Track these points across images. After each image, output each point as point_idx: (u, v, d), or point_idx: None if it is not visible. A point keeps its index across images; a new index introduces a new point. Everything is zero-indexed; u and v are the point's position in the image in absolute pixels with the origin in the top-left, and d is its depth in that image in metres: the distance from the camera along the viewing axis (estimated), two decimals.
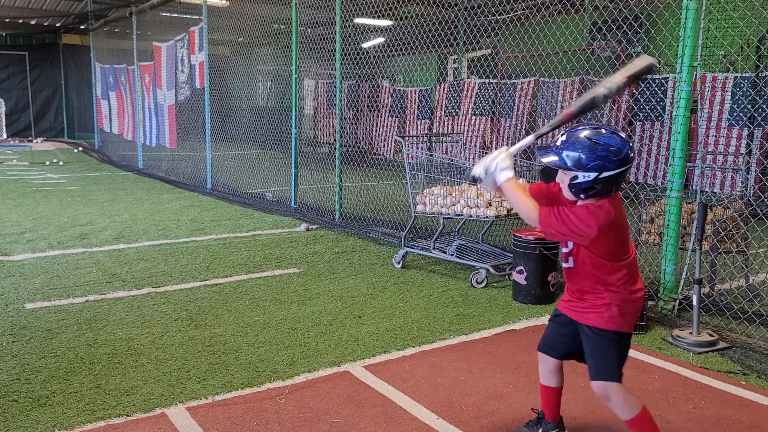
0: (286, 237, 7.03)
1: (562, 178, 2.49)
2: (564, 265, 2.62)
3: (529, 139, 2.54)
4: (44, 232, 6.94)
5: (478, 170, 2.53)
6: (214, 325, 4.23)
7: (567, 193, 2.48)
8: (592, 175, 2.36)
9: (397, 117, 14.04)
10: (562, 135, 2.46)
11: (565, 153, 2.40)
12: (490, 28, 10.46)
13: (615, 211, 2.42)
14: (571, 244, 2.54)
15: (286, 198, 9.00)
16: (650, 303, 4.53)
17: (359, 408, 3.14)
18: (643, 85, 9.62)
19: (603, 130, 2.41)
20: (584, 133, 2.39)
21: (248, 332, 4.10)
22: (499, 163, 2.49)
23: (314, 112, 16.34)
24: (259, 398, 3.22)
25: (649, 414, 2.53)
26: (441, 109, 13.05)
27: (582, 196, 2.42)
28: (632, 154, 2.40)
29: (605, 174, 2.35)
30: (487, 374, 3.56)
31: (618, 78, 2.47)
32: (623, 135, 2.42)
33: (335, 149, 8.06)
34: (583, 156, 2.36)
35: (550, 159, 2.44)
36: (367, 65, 9.25)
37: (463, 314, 4.56)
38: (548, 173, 2.64)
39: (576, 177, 2.39)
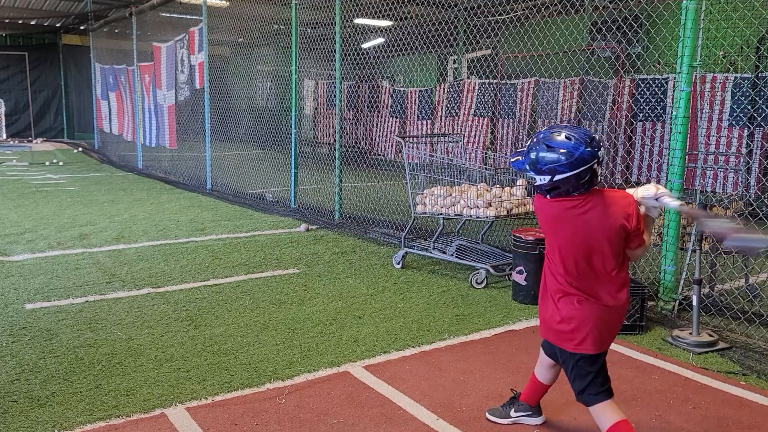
0: (285, 237, 7.03)
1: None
2: None
3: (676, 204, 2.58)
4: (44, 232, 6.94)
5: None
6: (213, 325, 4.23)
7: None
8: (546, 178, 2.46)
9: (397, 117, 14.05)
10: (532, 138, 2.56)
11: (527, 156, 2.52)
12: (489, 29, 10.46)
13: (549, 209, 2.53)
14: None
15: (286, 198, 9.00)
16: (650, 303, 4.52)
17: (359, 408, 3.14)
18: (643, 85, 9.62)
19: (559, 134, 2.44)
20: (541, 137, 2.49)
21: (248, 332, 4.10)
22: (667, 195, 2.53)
23: (314, 113, 16.35)
24: (259, 398, 3.22)
25: (629, 425, 2.51)
26: (441, 109, 13.05)
27: (548, 196, 2.52)
28: (588, 156, 2.39)
29: (558, 177, 2.43)
30: (486, 374, 3.56)
31: (729, 228, 2.36)
32: (582, 136, 2.42)
33: (335, 149, 8.06)
34: (538, 160, 2.46)
35: (515, 160, 2.57)
36: (367, 66, 9.25)
37: (462, 315, 4.56)
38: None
39: (536, 180, 2.51)
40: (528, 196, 5.58)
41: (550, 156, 2.42)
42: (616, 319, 2.56)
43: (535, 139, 2.50)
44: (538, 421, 2.96)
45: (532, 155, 2.48)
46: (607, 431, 2.49)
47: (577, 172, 2.40)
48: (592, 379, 2.52)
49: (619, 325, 2.59)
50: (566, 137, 2.42)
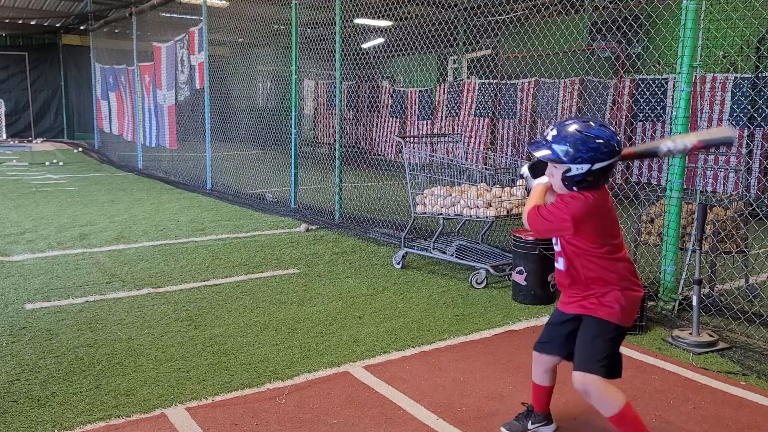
0: (285, 237, 7.03)
1: (552, 172, 2.49)
2: (556, 265, 2.64)
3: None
4: (44, 232, 6.94)
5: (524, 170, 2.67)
6: (213, 325, 4.23)
7: (559, 187, 2.50)
8: (585, 167, 2.36)
9: (397, 118, 14.05)
10: (552, 129, 2.46)
11: (556, 146, 2.40)
12: (489, 29, 10.47)
13: (597, 202, 2.43)
14: (559, 244, 2.57)
15: (286, 198, 9.00)
16: (650, 303, 4.52)
17: (359, 408, 3.14)
18: (643, 85, 9.62)
19: (592, 123, 2.42)
20: (574, 127, 2.40)
21: (248, 333, 4.10)
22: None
23: (314, 113, 16.35)
24: (259, 399, 3.22)
25: (632, 409, 2.52)
26: (442, 110, 13.05)
27: (575, 188, 2.43)
28: (619, 147, 2.40)
29: (597, 165, 2.36)
30: (486, 374, 3.56)
31: (690, 139, 2.46)
32: (611, 128, 2.45)
33: (335, 149, 8.06)
34: (576, 148, 2.36)
35: (543, 153, 2.45)
36: (367, 66, 9.25)
37: (462, 315, 4.56)
38: (536, 169, 2.64)
39: (569, 170, 2.39)
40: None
41: (590, 144, 2.34)
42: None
43: (566, 129, 2.39)
44: (551, 428, 2.92)
45: (567, 144, 2.36)
46: (619, 413, 2.47)
47: (612, 162, 2.37)
48: (615, 351, 2.54)
49: None
50: (601, 125, 2.39)
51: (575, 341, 2.63)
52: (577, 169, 2.37)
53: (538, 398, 2.88)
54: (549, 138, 2.44)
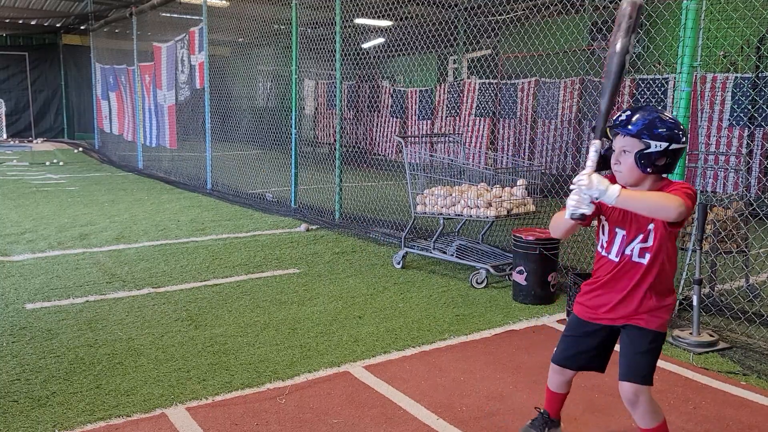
0: (286, 237, 7.03)
1: (619, 159, 2.40)
2: (637, 259, 2.43)
3: (595, 146, 2.35)
4: (44, 232, 6.94)
5: (584, 201, 2.31)
6: (214, 325, 4.23)
7: (628, 173, 2.38)
8: (664, 144, 2.32)
9: (397, 117, 14.06)
10: (625, 111, 2.41)
11: (635, 125, 2.35)
12: (490, 29, 10.47)
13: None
14: (652, 238, 2.39)
15: (286, 198, 9.00)
16: None
17: (359, 408, 3.14)
18: (643, 85, 9.62)
19: (657, 111, 2.42)
20: (649, 108, 2.40)
21: (248, 332, 4.10)
22: (595, 186, 2.25)
23: (314, 113, 16.36)
24: (260, 398, 3.22)
25: (667, 427, 2.48)
26: (442, 110, 13.05)
27: (649, 169, 2.35)
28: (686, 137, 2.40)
29: (674, 146, 2.33)
30: (487, 374, 3.56)
31: (618, 36, 2.46)
32: None
33: (335, 149, 8.06)
34: (655, 125, 2.33)
35: (623, 131, 2.37)
36: (367, 66, 9.25)
37: (463, 315, 4.56)
38: (607, 159, 2.54)
39: (648, 146, 2.33)
40: (528, 195, 5.58)
41: (668, 123, 2.35)
42: None
43: (640, 110, 2.38)
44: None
45: (649, 119, 2.34)
46: (657, 428, 2.44)
47: (684, 146, 2.36)
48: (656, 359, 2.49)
49: None
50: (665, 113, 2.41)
51: (601, 352, 2.59)
52: (656, 146, 2.32)
53: (552, 404, 2.81)
54: (623, 118, 2.40)
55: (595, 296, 2.54)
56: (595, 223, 2.55)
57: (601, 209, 2.48)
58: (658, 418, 2.45)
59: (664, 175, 2.44)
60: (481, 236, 5.94)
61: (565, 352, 2.67)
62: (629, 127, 2.36)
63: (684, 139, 2.36)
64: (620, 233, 2.45)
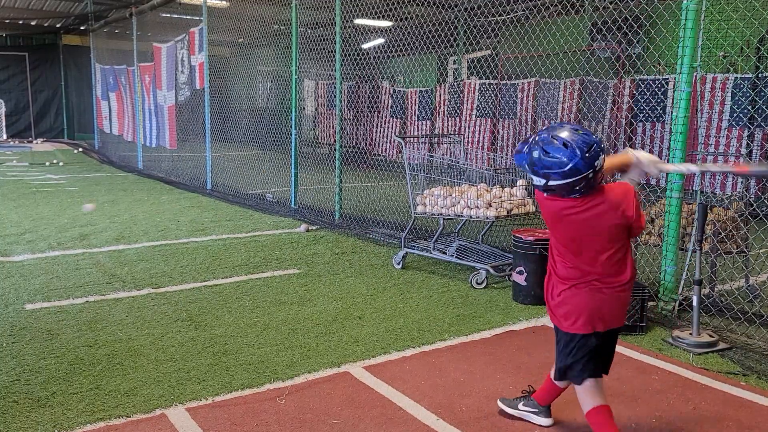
0: (286, 238, 7.03)
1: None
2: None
3: (689, 168, 2.83)
4: (44, 232, 6.94)
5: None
6: (214, 325, 4.23)
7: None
8: (542, 180, 2.48)
9: (397, 118, 14.06)
10: (536, 134, 2.52)
11: (527, 155, 2.51)
12: (490, 29, 10.47)
13: (548, 204, 2.55)
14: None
15: (286, 199, 9.00)
16: (650, 304, 4.52)
17: (359, 409, 3.14)
18: (643, 85, 9.62)
19: (558, 139, 2.42)
20: (541, 139, 2.47)
21: (248, 333, 4.10)
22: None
23: (314, 113, 16.36)
24: (259, 399, 3.22)
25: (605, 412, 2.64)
26: (443, 111, 13.06)
27: (546, 194, 2.55)
28: (582, 166, 2.38)
29: (552, 183, 2.46)
30: (487, 375, 3.56)
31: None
32: (581, 143, 2.39)
33: (335, 150, 8.06)
34: (534, 163, 2.47)
35: (518, 153, 2.56)
36: (367, 66, 9.25)
37: (463, 315, 4.56)
38: None
39: (532, 178, 2.54)
40: (528, 195, 5.58)
41: (546, 161, 2.42)
42: (617, 299, 2.59)
43: (536, 139, 2.48)
44: (544, 422, 2.96)
45: (532, 156, 2.48)
46: (587, 414, 2.62)
47: (569, 181, 2.42)
48: (580, 357, 2.62)
49: (622, 304, 2.62)
50: (564, 144, 2.39)
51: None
52: (537, 180, 2.53)
53: (543, 390, 2.96)
54: (528, 144, 2.53)
55: None
56: None
57: None
58: (594, 404, 2.62)
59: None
60: (481, 237, 5.94)
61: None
62: (519, 158, 2.55)
63: (570, 174, 2.39)
64: None
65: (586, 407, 2.63)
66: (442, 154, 6.60)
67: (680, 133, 4.39)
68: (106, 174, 12.99)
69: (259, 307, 4.64)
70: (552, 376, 2.86)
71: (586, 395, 2.63)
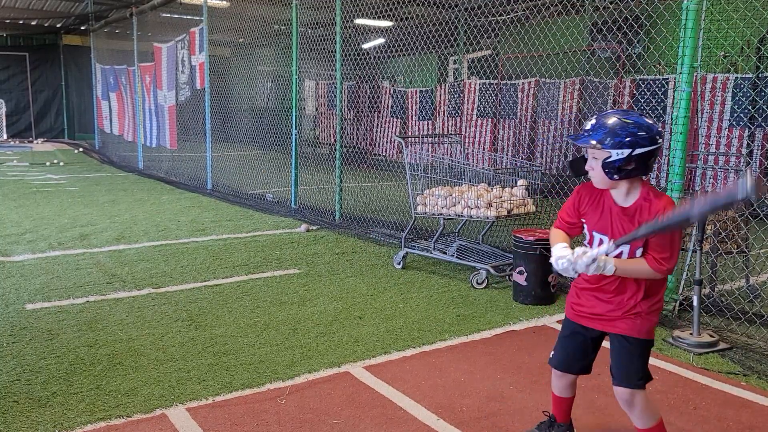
0: (286, 238, 7.03)
1: (592, 165, 2.43)
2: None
3: (605, 248, 2.37)
4: (45, 232, 6.94)
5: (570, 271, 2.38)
6: (214, 325, 4.23)
7: (600, 179, 2.42)
8: (626, 152, 2.32)
9: (398, 118, 14.06)
10: (590, 120, 2.44)
11: (596, 134, 2.37)
12: (490, 29, 10.47)
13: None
14: (627, 249, 2.41)
15: (287, 199, 9.00)
16: None
17: (360, 409, 3.14)
18: (643, 85, 9.62)
19: (630, 112, 2.41)
20: (613, 115, 2.40)
21: (249, 333, 4.10)
22: (595, 263, 2.33)
23: (315, 113, 16.37)
24: (260, 399, 3.22)
25: (664, 427, 2.50)
26: (443, 112, 13.05)
27: (616, 176, 2.37)
28: (661, 136, 2.37)
29: (638, 151, 2.31)
30: (487, 375, 3.56)
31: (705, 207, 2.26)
32: (652, 119, 2.40)
33: (335, 150, 8.06)
34: (616, 133, 2.33)
35: (583, 141, 2.40)
36: (367, 66, 9.25)
37: (463, 315, 4.56)
38: (576, 166, 2.56)
39: (609, 156, 2.34)
40: (529, 195, 5.58)
41: (631, 128, 2.32)
42: None
43: (600, 118, 2.38)
44: None
45: (608, 127, 2.34)
46: (653, 428, 2.46)
47: (653, 149, 2.33)
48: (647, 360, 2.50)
49: None
50: (641, 114, 2.37)
51: (593, 354, 2.61)
52: (617, 155, 2.33)
53: (559, 409, 2.79)
54: (588, 128, 2.42)
55: (583, 298, 2.56)
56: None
57: (580, 214, 2.55)
58: (655, 418, 2.46)
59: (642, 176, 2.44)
60: (482, 236, 5.94)
61: (565, 356, 2.66)
62: (591, 135, 2.38)
63: (656, 139, 2.33)
64: (602, 237, 2.47)
65: (651, 411, 2.47)
66: (443, 154, 6.60)
67: (680, 133, 4.39)
68: (106, 174, 13.00)
69: (260, 307, 4.64)
70: (557, 391, 2.73)
71: (647, 400, 2.48)
